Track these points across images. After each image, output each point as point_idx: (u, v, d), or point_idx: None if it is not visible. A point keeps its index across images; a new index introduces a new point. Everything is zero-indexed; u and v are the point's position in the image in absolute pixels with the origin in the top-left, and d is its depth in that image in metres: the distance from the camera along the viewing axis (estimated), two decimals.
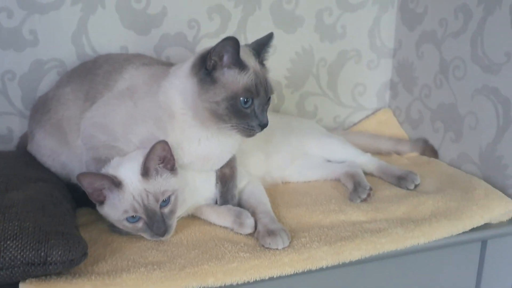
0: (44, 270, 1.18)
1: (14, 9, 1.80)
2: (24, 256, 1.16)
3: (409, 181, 1.76)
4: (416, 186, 1.76)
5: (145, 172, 1.39)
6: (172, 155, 1.43)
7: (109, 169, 1.43)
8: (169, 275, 1.26)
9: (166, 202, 1.41)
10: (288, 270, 1.33)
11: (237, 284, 1.30)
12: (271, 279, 1.33)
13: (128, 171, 1.40)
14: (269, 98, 1.48)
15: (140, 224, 1.40)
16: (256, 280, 1.31)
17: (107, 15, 1.90)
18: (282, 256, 1.35)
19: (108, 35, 1.92)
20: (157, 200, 1.39)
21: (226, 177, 1.60)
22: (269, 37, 1.50)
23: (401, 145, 2.14)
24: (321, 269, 1.37)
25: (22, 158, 1.69)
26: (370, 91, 2.36)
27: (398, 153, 2.14)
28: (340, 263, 1.38)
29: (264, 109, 1.44)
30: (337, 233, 1.45)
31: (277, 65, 2.13)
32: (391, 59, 2.32)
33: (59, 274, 1.23)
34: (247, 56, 1.44)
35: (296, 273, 1.35)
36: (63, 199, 1.47)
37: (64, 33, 1.88)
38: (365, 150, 1.98)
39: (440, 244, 1.49)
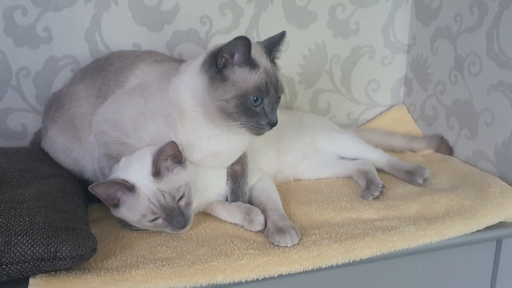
0: (53, 265, 1.19)
1: (29, 7, 1.82)
2: (34, 251, 1.17)
3: (418, 175, 1.74)
4: (425, 180, 1.73)
5: (157, 173, 1.39)
6: (179, 151, 1.43)
7: (119, 172, 1.42)
8: (178, 271, 1.27)
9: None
10: (297, 268, 1.33)
11: (246, 281, 1.30)
12: (280, 276, 1.32)
13: (137, 172, 1.39)
14: (279, 96, 1.47)
15: (160, 221, 1.40)
16: (265, 277, 1.31)
17: (120, 12, 1.91)
18: (291, 253, 1.34)
19: (121, 32, 1.94)
20: (173, 198, 1.39)
21: (237, 174, 1.60)
22: (282, 35, 1.49)
23: (415, 142, 2.12)
24: (331, 267, 1.36)
25: (35, 154, 1.70)
26: (384, 88, 2.34)
27: (413, 151, 2.12)
28: (351, 261, 1.37)
29: (274, 108, 1.43)
30: (348, 230, 1.44)
31: (289, 61, 2.14)
32: (405, 55, 2.29)
33: (68, 269, 1.25)
34: (258, 54, 1.43)
35: (306, 270, 1.34)
36: (75, 195, 1.49)
37: (78, 30, 1.90)
38: (379, 147, 1.96)
39: (453, 243, 1.47)
